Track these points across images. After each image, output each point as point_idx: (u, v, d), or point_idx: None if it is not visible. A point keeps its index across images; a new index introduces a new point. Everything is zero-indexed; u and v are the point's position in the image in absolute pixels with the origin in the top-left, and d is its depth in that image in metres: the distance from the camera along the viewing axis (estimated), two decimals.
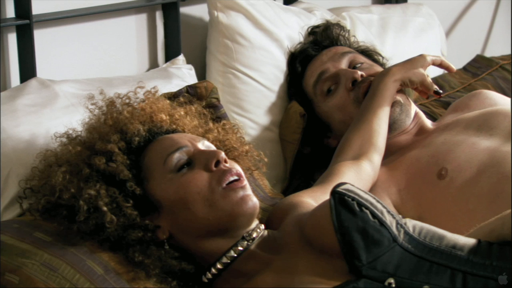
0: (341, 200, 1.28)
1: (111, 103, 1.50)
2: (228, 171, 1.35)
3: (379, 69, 1.93)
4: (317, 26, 2.11)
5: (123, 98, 1.51)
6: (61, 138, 1.47)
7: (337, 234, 1.25)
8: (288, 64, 2.08)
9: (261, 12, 2.06)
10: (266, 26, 2.05)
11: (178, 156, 1.37)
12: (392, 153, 1.83)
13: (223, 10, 2.00)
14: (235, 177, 1.35)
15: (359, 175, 1.66)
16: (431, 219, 1.57)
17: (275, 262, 1.32)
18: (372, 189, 1.72)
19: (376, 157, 1.72)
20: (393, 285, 1.19)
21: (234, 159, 1.53)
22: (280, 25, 2.09)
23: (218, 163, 1.36)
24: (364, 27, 2.31)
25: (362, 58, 1.97)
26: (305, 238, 1.32)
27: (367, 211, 1.27)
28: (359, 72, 1.87)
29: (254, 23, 2.04)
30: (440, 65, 1.87)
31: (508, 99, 1.95)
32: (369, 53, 2.04)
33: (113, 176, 1.37)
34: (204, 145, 1.42)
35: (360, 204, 1.27)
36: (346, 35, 2.09)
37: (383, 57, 2.07)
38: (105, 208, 1.33)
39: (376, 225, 1.25)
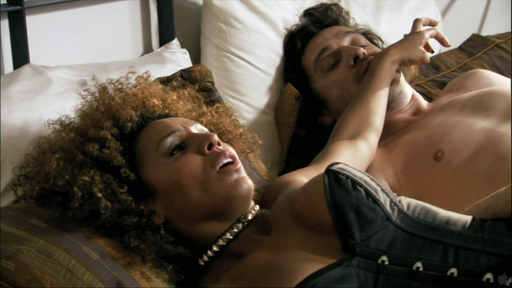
0: (335, 178, 1.28)
1: (103, 89, 1.49)
2: (222, 153, 1.35)
3: (379, 50, 1.93)
4: (316, 8, 2.10)
5: (115, 84, 1.51)
6: (54, 125, 1.47)
7: (331, 212, 1.26)
8: (286, 42, 2.07)
9: None
10: (260, 9, 2.05)
11: (171, 140, 1.37)
12: (388, 134, 1.83)
13: None
14: (229, 159, 1.35)
15: (355, 154, 1.66)
16: (428, 200, 1.56)
17: (267, 240, 1.32)
18: (369, 171, 1.72)
19: (373, 137, 1.73)
20: (386, 263, 1.20)
21: (228, 142, 1.52)
22: (274, 8, 2.09)
23: (211, 146, 1.36)
24: (359, 8, 2.30)
25: (364, 40, 1.97)
26: (296, 215, 1.33)
27: (361, 189, 1.27)
28: (362, 50, 1.87)
29: (248, 6, 2.03)
30: (436, 37, 1.87)
31: (505, 78, 1.96)
32: (369, 36, 2.04)
33: (107, 162, 1.36)
34: (197, 128, 1.42)
35: (355, 182, 1.28)
36: (346, 16, 2.09)
37: (382, 42, 2.07)
38: (99, 194, 1.33)
39: (370, 204, 1.25)
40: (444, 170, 1.67)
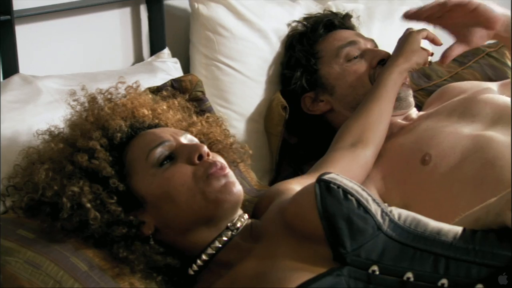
0: (326, 187, 1.28)
1: (92, 99, 1.49)
2: (213, 164, 1.34)
3: None
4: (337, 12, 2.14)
5: (105, 94, 1.51)
6: (43, 135, 1.46)
7: (322, 221, 1.25)
8: (304, 25, 2.08)
9: (242, 2, 2.05)
10: (247, 17, 2.05)
11: (160, 151, 1.37)
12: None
13: (203, 1, 2.00)
14: (219, 167, 1.35)
15: (354, 163, 1.68)
16: (416, 206, 1.57)
17: (257, 249, 1.32)
18: None
19: (373, 147, 1.73)
20: (377, 272, 1.19)
21: (219, 151, 1.52)
22: (262, 16, 2.09)
23: (201, 157, 1.35)
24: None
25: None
26: (287, 224, 1.32)
27: (353, 199, 1.27)
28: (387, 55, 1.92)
29: (235, 14, 2.03)
30: (427, 37, 1.89)
31: (474, 82, 2.02)
32: None
33: (96, 173, 1.36)
34: (186, 138, 1.41)
35: (346, 192, 1.27)
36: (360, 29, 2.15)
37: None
38: (88, 205, 1.32)
39: (361, 213, 1.25)
40: (431, 174, 1.67)
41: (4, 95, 1.60)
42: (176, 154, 1.37)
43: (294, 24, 2.11)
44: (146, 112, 1.49)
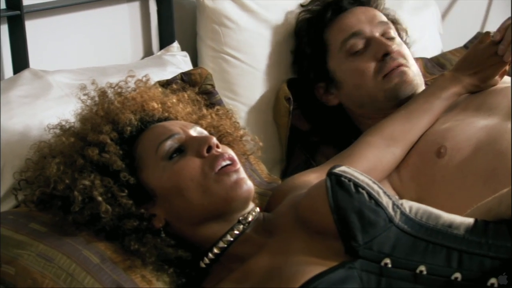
0: (337, 181, 1.28)
1: (102, 93, 1.49)
2: (220, 156, 1.35)
3: (406, 49, 1.91)
4: None
5: (115, 88, 1.51)
6: (54, 130, 1.47)
7: (334, 215, 1.25)
8: (311, 11, 2.03)
9: None
10: (252, 8, 2.05)
11: (170, 144, 1.37)
12: None
13: None
14: (228, 162, 1.35)
15: (382, 161, 1.68)
16: (430, 199, 1.56)
17: (270, 243, 1.32)
18: None
19: (403, 151, 1.72)
20: (389, 265, 1.19)
21: (229, 144, 1.52)
22: (267, 6, 2.08)
23: (210, 148, 1.35)
24: None
25: (393, 32, 1.94)
26: (299, 218, 1.32)
27: (364, 192, 1.26)
28: (393, 47, 1.85)
29: (240, 5, 2.03)
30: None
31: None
32: (397, 27, 2.02)
33: (107, 166, 1.36)
34: (196, 131, 1.41)
35: (357, 185, 1.27)
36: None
37: (407, 34, 2.05)
38: (100, 198, 1.33)
39: (372, 206, 1.25)
40: (446, 167, 1.66)
41: (15, 90, 1.61)
42: (185, 147, 1.37)
43: (302, 10, 2.05)
44: (156, 105, 1.49)
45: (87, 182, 1.33)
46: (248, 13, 2.05)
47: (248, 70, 2.03)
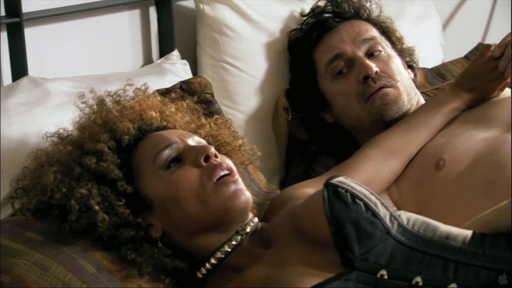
0: (334, 191, 1.27)
1: (101, 102, 1.49)
2: (219, 166, 1.34)
3: (394, 63, 1.88)
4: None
5: (113, 96, 1.51)
6: (52, 138, 1.46)
7: (330, 226, 1.24)
8: (297, 34, 2.03)
9: (247, 2, 2.05)
10: (252, 17, 2.04)
11: (167, 153, 1.36)
12: None
13: (208, 3, 2.00)
14: (226, 172, 1.34)
15: (379, 174, 1.67)
16: (429, 212, 1.55)
17: (267, 254, 1.31)
18: None
19: (402, 165, 1.72)
20: (385, 277, 1.19)
21: (227, 154, 1.52)
22: (268, 15, 2.08)
23: (208, 158, 1.35)
24: None
25: (381, 45, 1.92)
26: (297, 229, 1.32)
27: (361, 203, 1.26)
28: (374, 69, 1.82)
29: (240, 14, 2.03)
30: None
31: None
32: (389, 35, 2.01)
33: (104, 175, 1.36)
34: (194, 140, 1.41)
35: (354, 196, 1.26)
36: (368, 5, 2.04)
37: (402, 43, 2.04)
38: (97, 207, 1.32)
39: (369, 217, 1.24)
40: (444, 179, 1.65)
41: (14, 98, 1.61)
42: (183, 156, 1.37)
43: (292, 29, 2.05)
44: (154, 114, 1.49)
45: (84, 191, 1.33)
46: (248, 22, 2.05)
47: (247, 79, 2.02)
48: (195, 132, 1.50)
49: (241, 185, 1.35)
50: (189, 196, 1.32)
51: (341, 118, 1.92)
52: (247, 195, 1.35)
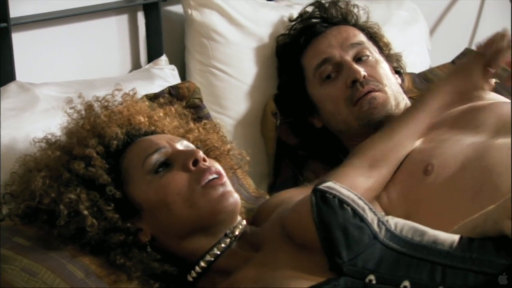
0: (322, 197, 1.28)
1: (89, 107, 1.49)
2: (207, 169, 1.34)
3: (381, 68, 1.89)
4: (322, 4, 2.05)
5: (102, 101, 1.50)
6: (40, 143, 1.46)
7: (318, 231, 1.25)
8: (285, 40, 2.03)
9: (235, 8, 2.05)
10: (240, 22, 2.05)
11: (156, 158, 1.36)
12: None
13: (196, 8, 2.00)
14: (214, 176, 1.35)
15: (365, 184, 1.68)
16: (418, 217, 1.56)
17: (256, 257, 1.31)
18: None
19: (388, 173, 1.73)
20: (374, 282, 1.19)
21: (216, 158, 1.52)
22: (256, 20, 2.09)
23: (196, 162, 1.35)
24: None
25: (369, 50, 1.92)
26: (285, 233, 1.32)
27: (348, 208, 1.26)
28: (362, 73, 1.83)
29: (228, 19, 2.04)
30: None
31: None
32: (376, 39, 2.01)
33: (93, 180, 1.36)
34: (183, 145, 1.41)
35: (342, 201, 1.27)
36: (355, 10, 2.05)
37: (389, 46, 2.05)
38: (86, 212, 1.32)
39: (357, 222, 1.25)
40: (433, 184, 1.66)
41: (1, 103, 1.60)
42: (172, 161, 1.37)
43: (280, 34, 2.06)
44: (142, 119, 1.49)
45: (73, 196, 1.33)
46: (236, 27, 2.05)
47: (236, 84, 2.03)
48: (183, 136, 1.50)
49: (229, 187, 1.36)
50: (178, 200, 1.32)
51: (330, 123, 1.92)
52: (235, 197, 1.35)
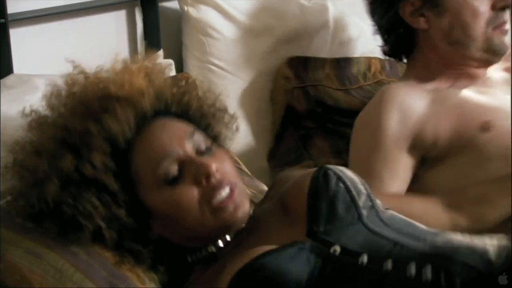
0: (324, 173, 1.31)
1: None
2: (219, 185, 1.30)
3: None
4: None
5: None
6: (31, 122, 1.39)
7: (308, 198, 1.28)
8: None
9: (231, 3, 2.06)
10: (237, 18, 2.06)
11: (167, 165, 1.31)
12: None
13: (192, 4, 2.01)
14: (227, 190, 1.31)
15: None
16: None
17: (251, 240, 1.31)
18: None
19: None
20: (337, 253, 1.20)
21: (210, 124, 1.47)
22: (252, 16, 2.10)
23: (208, 177, 1.31)
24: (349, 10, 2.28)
25: None
26: (283, 205, 1.34)
27: (342, 186, 1.29)
28: None
29: (224, 15, 2.05)
30: None
31: None
32: None
33: (104, 185, 1.31)
34: (192, 143, 1.35)
35: (339, 179, 1.30)
36: None
37: None
38: (103, 225, 1.29)
39: (346, 200, 1.28)
40: (487, 144, 1.59)
41: (1, 94, 1.60)
42: (183, 170, 1.32)
43: None
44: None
45: (89, 208, 1.28)
46: (233, 23, 2.06)
47: (233, 80, 2.03)
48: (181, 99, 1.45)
49: (238, 198, 1.32)
50: (187, 217, 1.30)
51: (451, 30, 1.70)
52: (245, 208, 1.32)
